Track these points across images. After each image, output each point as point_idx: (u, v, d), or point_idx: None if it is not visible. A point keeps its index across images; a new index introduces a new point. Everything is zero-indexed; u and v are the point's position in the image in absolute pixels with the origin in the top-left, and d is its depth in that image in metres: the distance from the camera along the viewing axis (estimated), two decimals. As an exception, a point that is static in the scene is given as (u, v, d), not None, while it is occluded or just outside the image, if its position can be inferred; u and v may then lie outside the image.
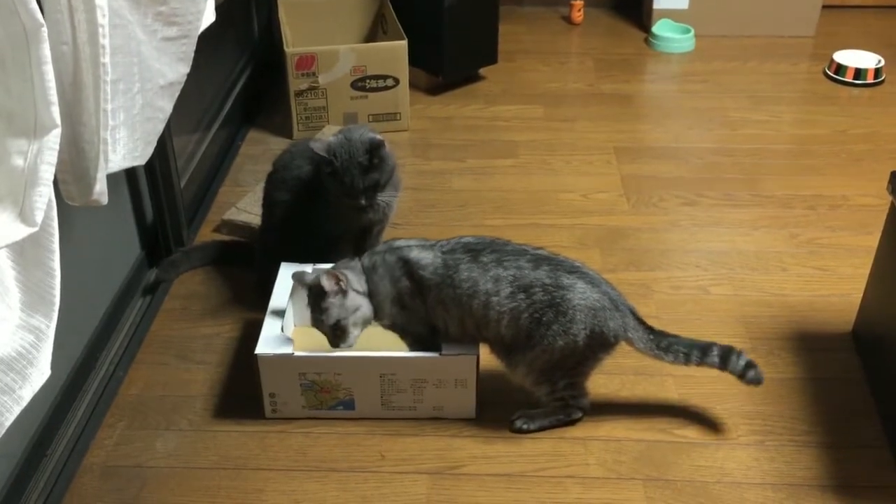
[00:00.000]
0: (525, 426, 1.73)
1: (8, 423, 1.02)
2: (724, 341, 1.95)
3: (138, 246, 2.12)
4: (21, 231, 0.95)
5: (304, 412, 1.75)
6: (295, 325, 1.95)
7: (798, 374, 1.88)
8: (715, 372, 1.87)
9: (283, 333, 1.73)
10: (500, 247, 1.65)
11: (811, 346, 1.95)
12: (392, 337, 1.78)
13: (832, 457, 1.68)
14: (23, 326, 1.02)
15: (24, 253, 1.01)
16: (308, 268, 1.88)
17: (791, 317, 2.04)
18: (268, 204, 2.06)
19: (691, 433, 1.74)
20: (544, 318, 1.60)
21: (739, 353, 1.69)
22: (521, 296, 1.60)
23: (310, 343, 1.89)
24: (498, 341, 1.67)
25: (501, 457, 1.69)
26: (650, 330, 1.67)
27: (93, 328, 1.87)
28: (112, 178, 1.93)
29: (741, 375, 1.68)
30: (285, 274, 1.88)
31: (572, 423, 1.75)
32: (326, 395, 1.74)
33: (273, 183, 2.05)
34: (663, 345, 1.66)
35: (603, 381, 1.85)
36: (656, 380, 1.86)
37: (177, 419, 1.78)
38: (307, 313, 1.92)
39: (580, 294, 1.60)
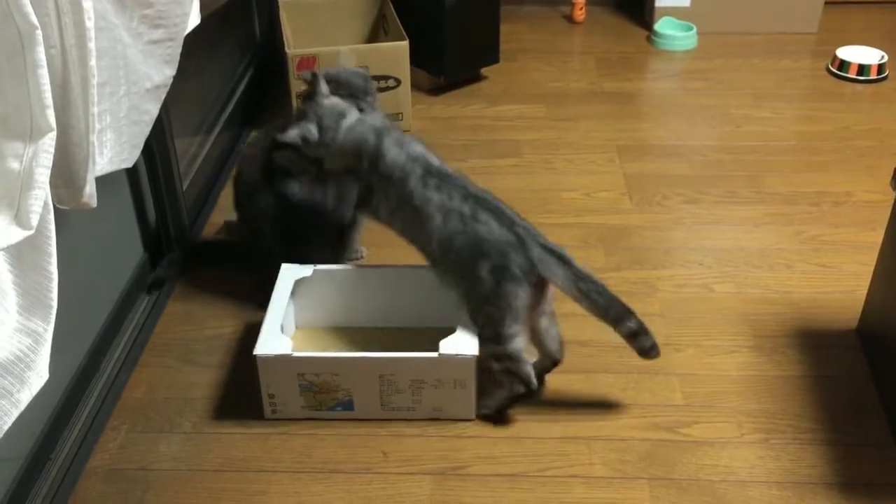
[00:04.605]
0: (485, 410, 1.76)
1: (6, 427, 1.02)
2: (729, 339, 1.96)
3: (141, 248, 2.12)
4: (17, 234, 0.95)
5: (304, 413, 1.75)
6: (297, 327, 1.95)
7: (803, 371, 1.87)
8: (719, 371, 1.88)
9: (282, 334, 1.73)
10: (447, 178, 1.75)
11: (816, 344, 1.94)
12: (392, 339, 1.78)
13: (837, 454, 1.67)
14: (20, 330, 1.02)
15: (22, 256, 1.01)
16: (308, 269, 1.88)
17: (795, 314, 2.03)
18: (251, 209, 2.06)
19: (696, 432, 1.73)
20: (454, 243, 1.69)
21: (646, 335, 1.69)
22: (438, 217, 1.70)
23: (311, 344, 1.89)
24: (421, 251, 1.77)
25: (505, 457, 1.68)
26: (573, 269, 1.66)
27: (96, 331, 1.87)
28: (114, 181, 1.94)
29: (641, 351, 1.71)
30: (286, 275, 1.88)
31: (518, 398, 1.74)
32: (325, 396, 1.73)
33: (250, 186, 2.05)
34: (582, 287, 1.65)
35: (608, 381, 1.85)
36: (660, 379, 1.85)
37: (180, 422, 1.78)
38: (309, 314, 1.93)
39: (487, 229, 1.67)
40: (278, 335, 1.72)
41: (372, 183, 1.78)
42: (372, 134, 1.79)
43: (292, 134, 1.81)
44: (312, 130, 1.81)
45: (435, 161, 1.78)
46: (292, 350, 1.70)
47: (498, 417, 1.76)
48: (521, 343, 1.70)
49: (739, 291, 2.11)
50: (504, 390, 1.75)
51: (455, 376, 1.70)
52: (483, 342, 1.70)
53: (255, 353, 1.69)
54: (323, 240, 2.03)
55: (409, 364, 1.70)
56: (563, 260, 1.67)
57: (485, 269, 1.66)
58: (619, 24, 3.74)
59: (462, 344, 1.69)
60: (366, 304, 1.93)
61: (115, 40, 1.28)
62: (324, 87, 1.88)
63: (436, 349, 1.68)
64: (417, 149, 1.79)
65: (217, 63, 2.76)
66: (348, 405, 1.74)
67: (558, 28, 3.72)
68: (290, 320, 1.90)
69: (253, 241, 2.09)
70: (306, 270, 1.88)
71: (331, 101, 1.86)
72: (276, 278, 1.88)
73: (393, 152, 1.76)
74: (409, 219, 1.75)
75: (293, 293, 1.85)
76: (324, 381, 1.71)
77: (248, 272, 2.14)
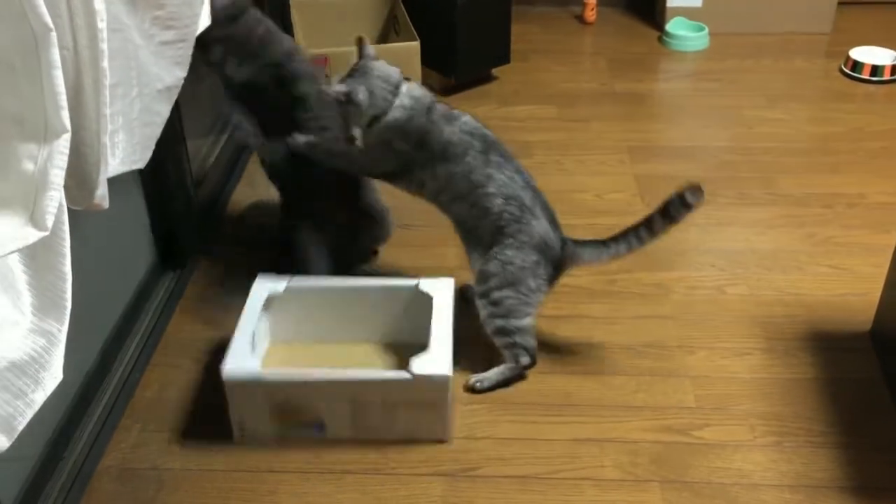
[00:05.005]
0: (479, 384, 1.79)
1: (21, 427, 1.02)
2: (741, 342, 1.95)
3: (153, 249, 2.13)
4: (32, 235, 0.95)
5: (274, 431, 1.70)
6: (271, 342, 1.89)
7: (815, 374, 1.86)
8: (731, 373, 1.87)
9: (251, 350, 1.69)
10: (507, 156, 1.79)
11: (829, 346, 1.93)
12: (361, 355, 1.81)
13: (850, 458, 1.67)
14: (35, 330, 1.02)
15: (36, 257, 1.01)
16: (282, 284, 1.83)
17: (808, 316, 2.02)
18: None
19: (708, 435, 1.72)
20: (508, 229, 1.74)
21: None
22: (500, 200, 1.73)
23: (282, 363, 1.84)
24: (461, 223, 1.80)
25: (516, 459, 1.68)
26: (596, 242, 1.79)
27: (108, 331, 1.88)
28: (126, 182, 1.94)
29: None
30: (259, 287, 1.83)
31: (523, 371, 1.80)
32: (296, 418, 1.69)
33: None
34: (612, 250, 1.77)
35: (619, 383, 1.84)
36: (672, 381, 1.85)
37: (192, 421, 1.78)
38: (282, 329, 1.87)
39: (543, 228, 1.75)
40: (248, 353, 1.67)
41: (413, 158, 1.76)
42: (422, 114, 1.74)
43: (338, 88, 1.71)
44: (361, 93, 1.70)
45: (490, 133, 1.79)
46: (261, 370, 1.66)
47: (483, 391, 1.81)
48: (533, 319, 1.78)
49: (752, 294, 2.10)
50: (510, 363, 1.79)
51: (428, 398, 1.66)
52: (491, 316, 1.75)
53: (223, 377, 1.65)
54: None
55: (382, 385, 1.65)
56: (588, 243, 1.80)
57: (529, 262, 1.72)
58: (631, 24, 3.73)
59: (434, 364, 1.64)
60: (336, 320, 1.87)
61: (126, 41, 1.28)
62: (370, 50, 1.79)
63: (407, 366, 1.65)
64: (470, 122, 1.78)
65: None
66: (320, 427, 1.70)
67: (569, 28, 3.71)
68: (262, 334, 1.83)
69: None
70: (279, 285, 1.83)
71: (383, 68, 1.75)
72: (280, 273, 1.87)
73: (446, 131, 1.74)
74: (461, 192, 1.75)
75: (266, 306, 1.80)
76: (294, 403, 1.67)
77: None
